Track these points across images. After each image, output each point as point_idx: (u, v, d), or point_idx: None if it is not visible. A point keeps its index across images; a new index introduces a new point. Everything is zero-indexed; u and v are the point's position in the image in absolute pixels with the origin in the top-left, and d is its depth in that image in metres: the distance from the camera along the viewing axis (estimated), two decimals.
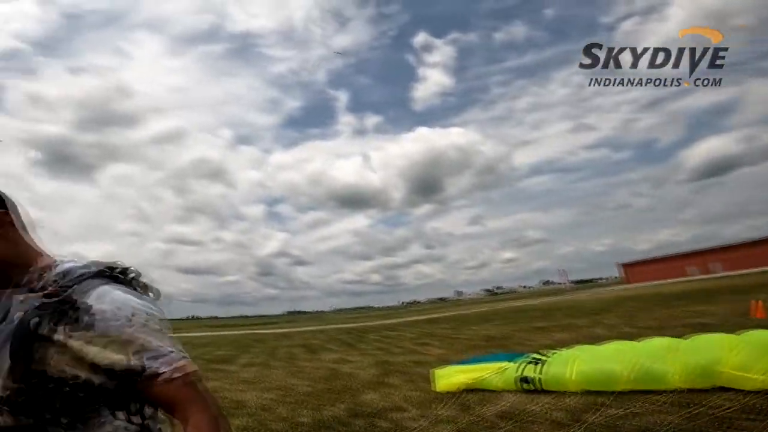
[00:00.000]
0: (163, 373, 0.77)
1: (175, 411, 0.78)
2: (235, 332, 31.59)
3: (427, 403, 4.74)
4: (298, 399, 5.44)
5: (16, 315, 0.78)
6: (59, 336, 0.76)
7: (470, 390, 4.95)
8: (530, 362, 4.85)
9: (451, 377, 5.16)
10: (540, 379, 4.59)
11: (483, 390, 4.91)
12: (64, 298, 0.77)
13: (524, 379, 4.68)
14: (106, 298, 0.79)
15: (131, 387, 0.78)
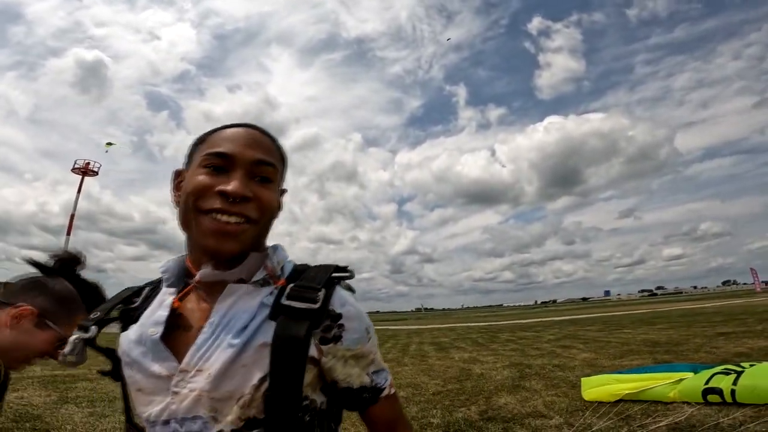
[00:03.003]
0: (385, 389, 0.69)
1: (383, 428, 0.71)
2: None
3: (576, 411, 4.07)
4: (429, 398, 5.26)
5: (246, 318, 0.61)
6: (312, 351, 0.62)
7: (628, 401, 4.11)
8: (721, 372, 3.85)
9: (604, 385, 4.36)
10: (733, 391, 3.65)
11: (646, 401, 4.03)
12: (322, 307, 0.62)
13: (711, 390, 3.74)
14: (348, 306, 0.66)
15: (347, 406, 0.69)
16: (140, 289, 0.75)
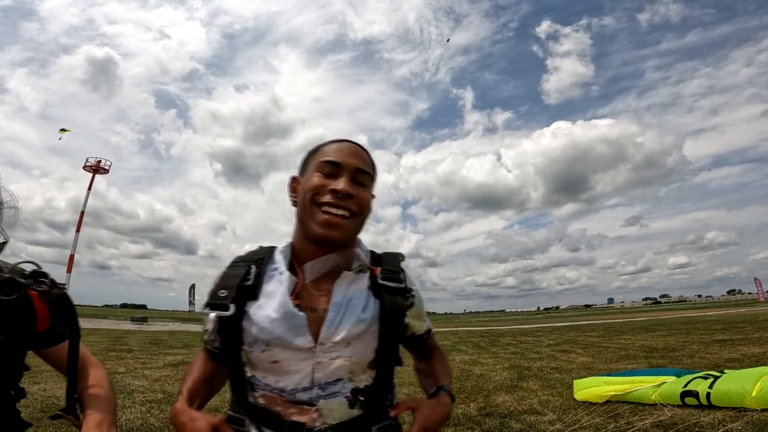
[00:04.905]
0: (431, 328, 0.99)
1: (430, 352, 1.01)
2: None
3: (569, 409, 4.33)
4: None
5: (364, 297, 0.81)
6: (407, 319, 0.88)
7: (616, 402, 4.37)
8: (701, 377, 4.11)
9: (593, 387, 4.61)
10: (708, 394, 3.88)
11: (633, 403, 4.28)
12: (406, 286, 0.86)
13: (688, 393, 3.99)
14: (413, 282, 0.90)
15: (416, 347, 0.99)
16: (248, 266, 0.83)
